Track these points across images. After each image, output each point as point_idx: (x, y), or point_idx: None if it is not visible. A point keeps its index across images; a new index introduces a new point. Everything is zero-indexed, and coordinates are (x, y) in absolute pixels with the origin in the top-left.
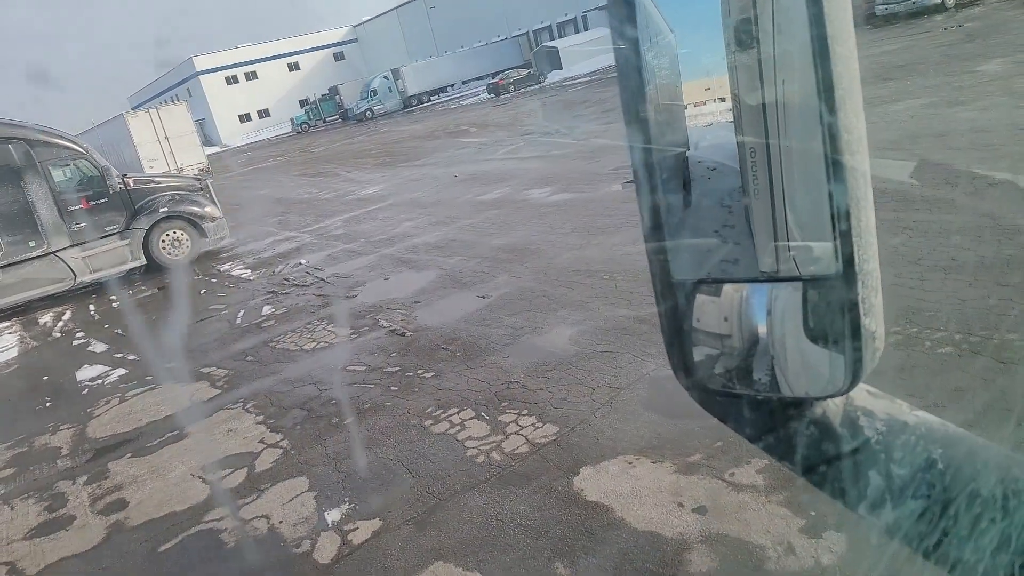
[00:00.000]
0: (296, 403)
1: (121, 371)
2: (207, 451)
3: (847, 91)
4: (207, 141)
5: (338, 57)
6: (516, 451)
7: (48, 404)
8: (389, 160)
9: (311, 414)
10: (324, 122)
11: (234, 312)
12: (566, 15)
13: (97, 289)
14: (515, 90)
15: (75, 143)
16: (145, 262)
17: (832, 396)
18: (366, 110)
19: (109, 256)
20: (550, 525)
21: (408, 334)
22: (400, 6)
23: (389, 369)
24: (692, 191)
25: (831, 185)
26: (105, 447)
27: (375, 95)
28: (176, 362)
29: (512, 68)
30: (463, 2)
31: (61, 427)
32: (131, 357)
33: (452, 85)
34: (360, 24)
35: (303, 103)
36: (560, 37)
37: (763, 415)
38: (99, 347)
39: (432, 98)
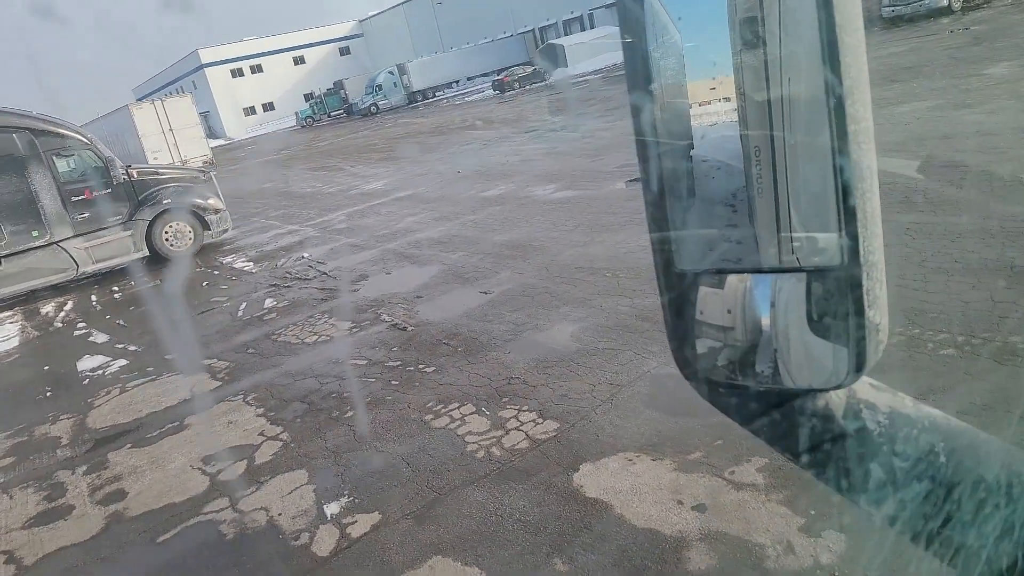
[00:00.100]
0: (297, 396)
1: (122, 362)
2: (207, 443)
3: (855, 81)
4: (211, 134)
5: (344, 52)
6: (516, 447)
7: (48, 394)
8: (393, 155)
9: (311, 407)
10: (329, 116)
11: (236, 305)
12: (572, 13)
13: (99, 280)
14: (520, 87)
15: (79, 133)
16: (148, 253)
17: (835, 388)
18: (371, 105)
19: (112, 247)
20: (549, 521)
21: (410, 329)
22: (406, 1)
23: (390, 363)
24: (696, 190)
25: (837, 176)
26: (105, 437)
27: (380, 90)
28: (177, 354)
29: (517, 65)
30: None
31: (61, 417)
32: (132, 348)
33: (457, 81)
34: (366, 19)
35: (308, 97)
36: (566, 35)
37: (765, 407)
38: (100, 338)
39: (437, 94)
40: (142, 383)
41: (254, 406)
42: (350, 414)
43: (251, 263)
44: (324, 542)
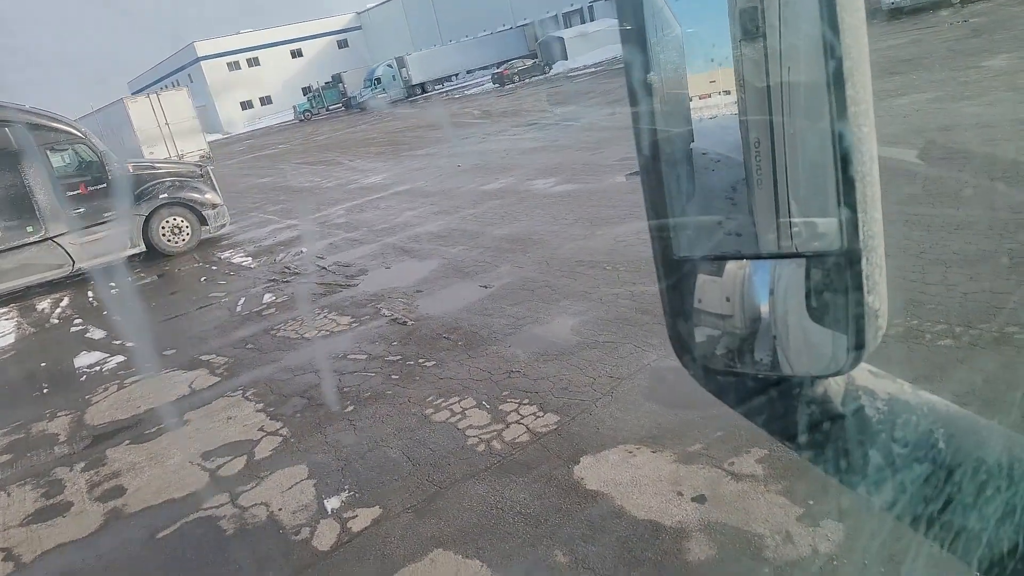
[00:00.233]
0: (296, 391)
1: (119, 358)
2: (206, 438)
3: (855, 62)
4: (208, 128)
5: (342, 44)
6: (517, 440)
7: (46, 390)
8: (392, 149)
9: (311, 402)
10: (327, 110)
11: (234, 300)
12: (572, 5)
13: (96, 276)
14: (520, 80)
15: (74, 127)
16: (145, 249)
17: (834, 375)
18: (369, 98)
19: (108, 242)
20: (550, 513)
21: (410, 323)
22: None
23: (390, 358)
24: (696, 182)
25: (836, 159)
26: (103, 434)
27: (379, 83)
28: (175, 349)
29: (517, 58)
30: None
31: (59, 414)
32: (129, 344)
33: (457, 74)
34: (364, 11)
35: (306, 91)
36: (566, 27)
37: (765, 395)
38: (97, 334)
39: (436, 87)
40: (140, 379)
41: (253, 401)
42: (350, 409)
43: (249, 258)
44: (325, 536)
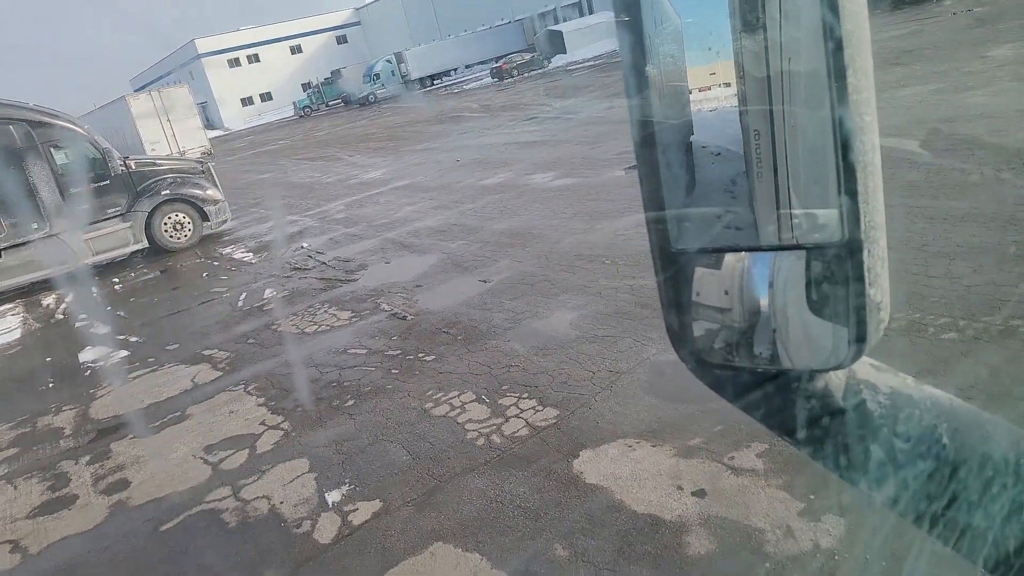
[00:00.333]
0: (297, 386)
1: (123, 353)
2: (208, 432)
3: (856, 50)
4: (209, 124)
5: (341, 40)
6: (516, 434)
7: (51, 385)
8: (391, 144)
9: (312, 396)
10: (327, 106)
11: (236, 295)
12: None
13: (99, 271)
14: (519, 74)
15: (76, 124)
16: (147, 245)
17: (834, 369)
18: (369, 94)
19: (111, 238)
20: (549, 507)
21: (409, 318)
22: None
23: (390, 352)
24: (696, 176)
25: (837, 149)
26: (107, 428)
27: (378, 79)
28: (178, 344)
29: (516, 52)
30: None
31: (64, 408)
32: (133, 339)
33: (455, 69)
34: (363, 7)
35: (306, 87)
36: (564, 21)
37: (764, 389)
38: (101, 329)
39: (435, 82)
40: (143, 374)
41: (255, 396)
42: (350, 403)
43: (250, 253)
44: (326, 530)
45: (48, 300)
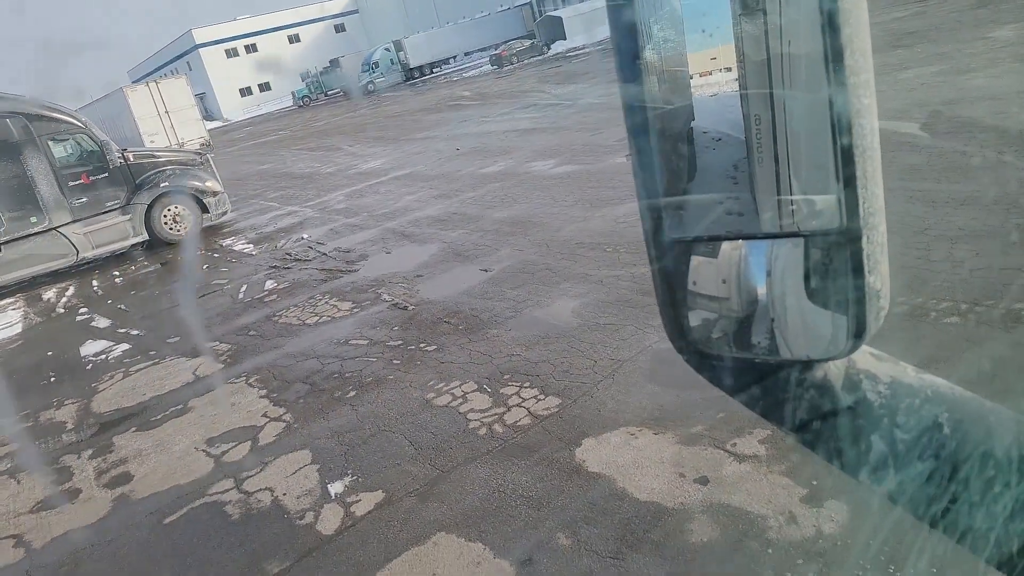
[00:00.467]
0: (299, 377)
1: (125, 346)
2: (211, 425)
3: (855, 30)
4: (208, 115)
5: (339, 29)
6: (518, 423)
7: (53, 379)
8: (391, 133)
9: (314, 388)
10: (325, 95)
11: (236, 287)
12: None
13: (100, 265)
14: (518, 61)
15: (74, 117)
16: (147, 237)
17: (833, 358)
18: (368, 83)
19: (111, 231)
20: (552, 496)
21: (410, 308)
22: None
23: (391, 343)
24: (697, 161)
25: (835, 133)
26: (110, 421)
27: (377, 67)
28: (179, 337)
29: (515, 39)
30: None
31: (66, 402)
32: (134, 332)
33: (455, 57)
34: None
35: (304, 76)
36: (564, 6)
37: (762, 379)
38: (102, 322)
39: (435, 70)
40: (145, 367)
41: (257, 388)
42: (352, 394)
43: (251, 245)
44: (328, 521)
45: (49, 294)
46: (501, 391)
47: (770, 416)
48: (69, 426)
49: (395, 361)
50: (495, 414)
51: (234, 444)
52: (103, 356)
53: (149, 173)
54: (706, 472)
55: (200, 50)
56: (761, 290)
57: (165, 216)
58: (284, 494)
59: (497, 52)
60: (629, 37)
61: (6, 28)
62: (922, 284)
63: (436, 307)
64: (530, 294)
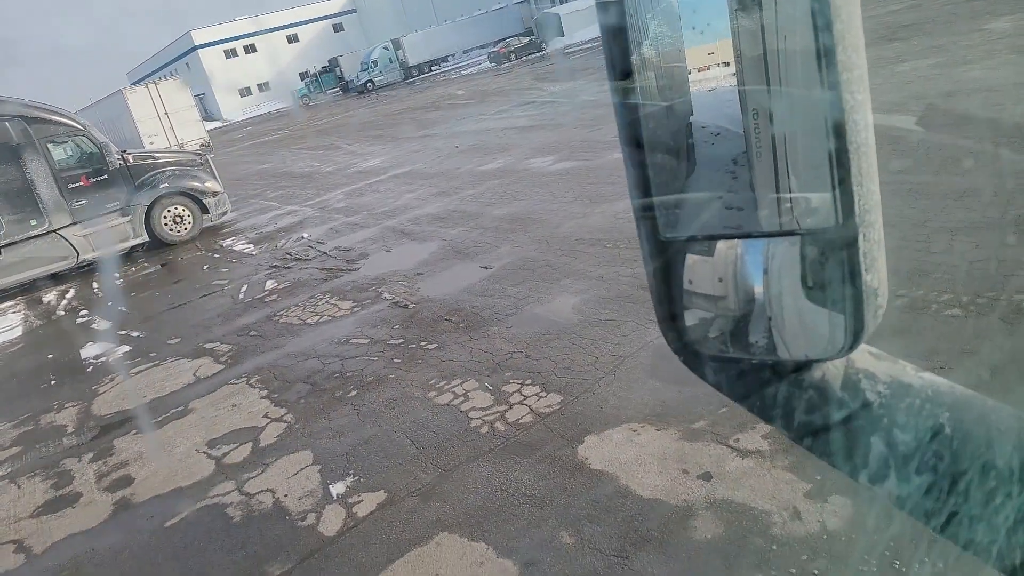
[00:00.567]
0: (300, 377)
1: (125, 348)
2: (212, 426)
3: (847, 24)
4: (208, 116)
5: (337, 28)
6: (520, 421)
7: (53, 382)
8: (390, 132)
9: (315, 388)
10: (325, 95)
11: (237, 287)
12: None
13: (100, 267)
14: (516, 58)
15: (73, 120)
16: (147, 239)
17: (832, 358)
18: (367, 82)
19: (111, 233)
20: (555, 494)
21: (411, 306)
22: None
23: (392, 341)
24: (696, 156)
25: (828, 130)
26: (110, 424)
27: (375, 66)
28: (180, 338)
29: (513, 36)
30: None
31: (67, 405)
32: (135, 334)
33: (453, 54)
34: None
35: (303, 76)
36: (561, 3)
37: (759, 380)
38: (103, 325)
39: (433, 68)
40: (146, 369)
41: (257, 388)
42: (353, 394)
43: (251, 245)
44: (330, 522)
45: (49, 297)
46: (502, 389)
47: (768, 417)
48: (70, 429)
49: (396, 360)
50: (497, 412)
51: (235, 445)
52: (104, 358)
53: (149, 174)
54: (709, 468)
55: (199, 51)
56: (758, 289)
57: (165, 217)
58: (286, 495)
59: (495, 50)
60: (619, 32)
61: (5, 31)
62: (922, 276)
63: (437, 305)
64: (530, 291)
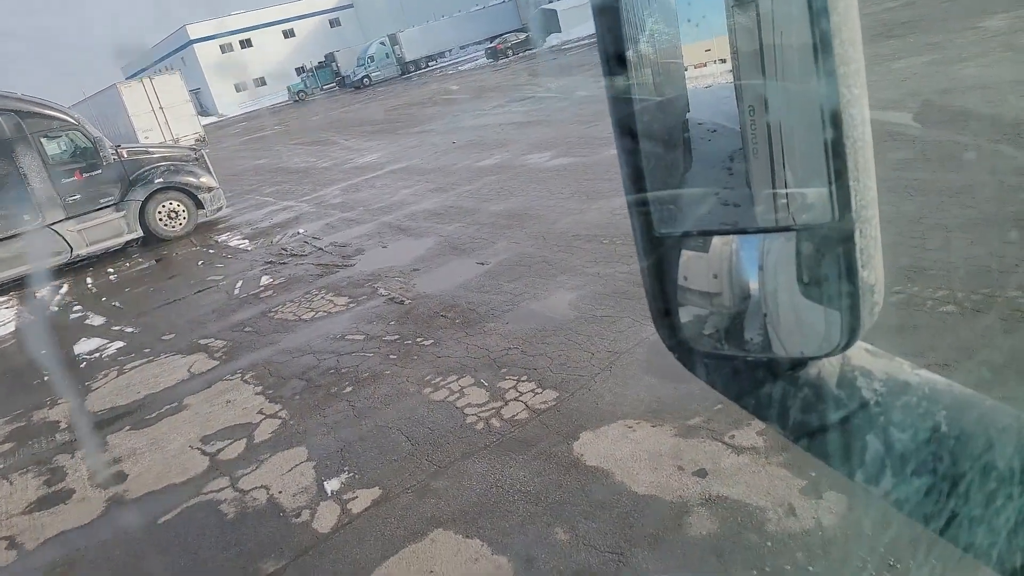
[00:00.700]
0: (295, 373)
1: (119, 344)
2: (206, 422)
3: (843, 17)
4: (203, 111)
5: (333, 23)
6: (515, 417)
7: (46, 378)
8: (387, 127)
9: (310, 384)
10: (321, 90)
11: (232, 283)
12: None
13: (94, 262)
14: (513, 54)
15: (66, 114)
16: (142, 234)
17: (828, 355)
18: (363, 77)
19: (105, 228)
20: (550, 490)
21: (407, 302)
22: None
23: (388, 337)
24: (693, 153)
25: (825, 124)
26: (104, 420)
27: (372, 61)
28: (174, 334)
29: (510, 32)
30: None
31: (60, 401)
32: (129, 330)
33: (450, 50)
34: None
35: (299, 71)
36: None
37: (755, 377)
38: (97, 320)
39: (430, 64)
40: (139, 364)
41: (252, 384)
42: (348, 390)
43: (246, 240)
44: (325, 519)
45: (42, 292)
46: (498, 385)
47: (763, 415)
48: (63, 425)
49: (391, 356)
50: (492, 408)
51: (229, 442)
52: (97, 354)
53: (143, 169)
54: (704, 464)
55: (194, 46)
56: (754, 285)
57: (160, 212)
58: (280, 492)
59: (492, 45)
60: (614, 28)
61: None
62: (918, 273)
63: (433, 301)
64: (527, 287)
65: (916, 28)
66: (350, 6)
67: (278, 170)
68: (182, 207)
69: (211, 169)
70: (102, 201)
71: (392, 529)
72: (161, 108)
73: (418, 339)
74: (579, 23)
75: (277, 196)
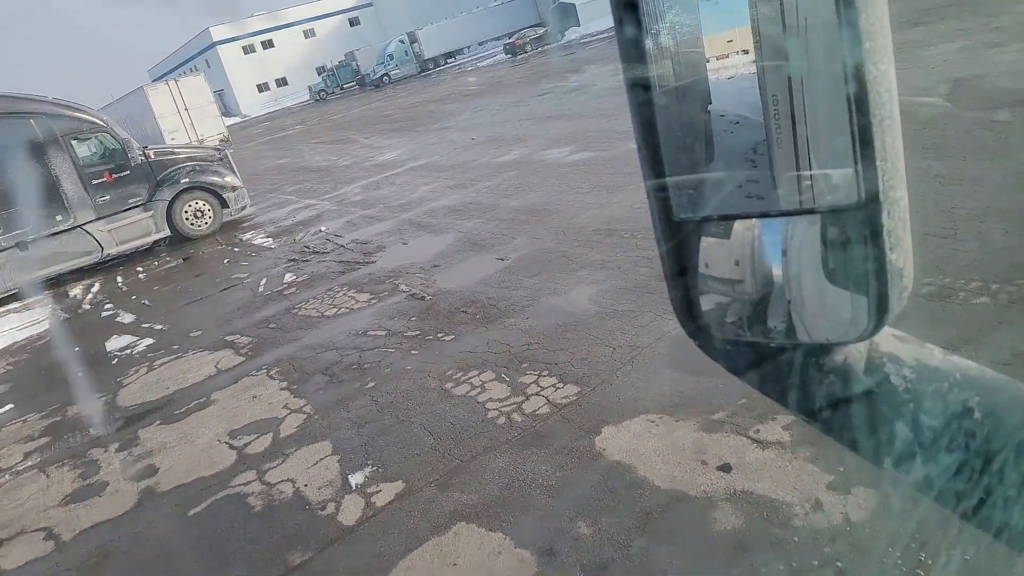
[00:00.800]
0: (318, 368)
1: (148, 341)
2: (233, 417)
3: None
4: (226, 111)
5: (353, 22)
6: (537, 412)
7: (80, 374)
8: (406, 125)
9: (333, 379)
10: (341, 89)
11: (256, 280)
12: None
13: (124, 261)
14: (532, 49)
15: (95, 117)
16: (169, 233)
17: (854, 341)
18: (383, 75)
19: (134, 228)
20: (572, 485)
21: (427, 298)
22: None
23: (409, 333)
24: (715, 145)
25: (851, 102)
26: (135, 415)
27: (391, 60)
28: (201, 331)
29: (528, 27)
30: None
31: (93, 396)
32: (158, 327)
33: (468, 47)
34: None
35: (320, 70)
36: None
37: (779, 365)
38: (127, 318)
39: (449, 60)
40: (169, 361)
41: (277, 380)
42: (371, 385)
43: (270, 239)
44: (350, 512)
45: (75, 291)
46: (519, 380)
47: (789, 403)
48: (96, 420)
49: (413, 351)
50: (513, 403)
51: (256, 436)
52: (128, 351)
53: (170, 170)
54: (729, 459)
55: (218, 47)
56: (777, 271)
57: (186, 212)
58: (305, 485)
59: (511, 41)
60: (632, 17)
61: (28, 29)
62: (949, 264)
63: (453, 297)
64: (547, 282)
65: (946, 14)
66: (369, 5)
67: (300, 169)
68: (207, 206)
69: (235, 169)
70: (131, 201)
71: (415, 522)
72: (186, 109)
73: (439, 335)
74: (598, 16)
75: (299, 194)
